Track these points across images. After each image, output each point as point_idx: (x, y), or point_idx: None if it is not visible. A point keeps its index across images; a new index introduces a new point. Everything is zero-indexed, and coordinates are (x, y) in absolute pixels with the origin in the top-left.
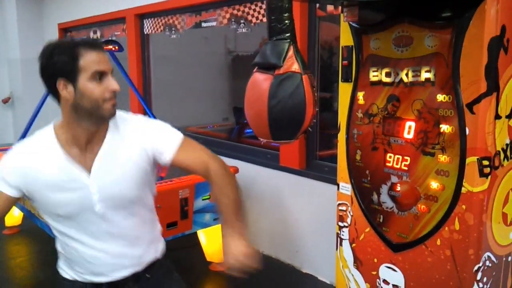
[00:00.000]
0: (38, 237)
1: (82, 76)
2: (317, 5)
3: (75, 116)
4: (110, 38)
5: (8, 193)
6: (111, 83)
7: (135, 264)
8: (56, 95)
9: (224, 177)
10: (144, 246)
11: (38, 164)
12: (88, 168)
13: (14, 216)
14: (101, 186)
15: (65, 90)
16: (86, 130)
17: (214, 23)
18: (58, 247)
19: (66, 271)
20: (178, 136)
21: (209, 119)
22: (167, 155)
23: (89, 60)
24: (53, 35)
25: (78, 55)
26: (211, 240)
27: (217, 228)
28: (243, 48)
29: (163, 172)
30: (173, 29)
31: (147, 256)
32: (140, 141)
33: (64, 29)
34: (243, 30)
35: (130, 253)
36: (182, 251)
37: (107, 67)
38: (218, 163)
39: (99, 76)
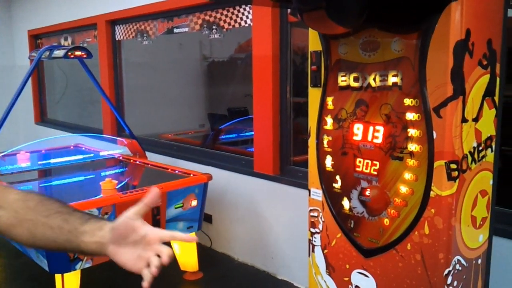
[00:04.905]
0: (6, 251)
1: None
2: (288, 10)
3: None
4: (80, 45)
5: None
6: None
7: None
8: None
9: None
10: None
11: None
12: None
13: None
14: None
15: None
16: None
17: (186, 29)
18: None
19: None
20: None
21: (186, 125)
22: None
23: None
24: (23, 42)
25: None
26: (184, 249)
27: None
28: (219, 54)
29: (135, 180)
30: (144, 35)
31: None
32: None
33: (34, 36)
34: (215, 36)
35: None
36: None
37: None
38: None
39: None
